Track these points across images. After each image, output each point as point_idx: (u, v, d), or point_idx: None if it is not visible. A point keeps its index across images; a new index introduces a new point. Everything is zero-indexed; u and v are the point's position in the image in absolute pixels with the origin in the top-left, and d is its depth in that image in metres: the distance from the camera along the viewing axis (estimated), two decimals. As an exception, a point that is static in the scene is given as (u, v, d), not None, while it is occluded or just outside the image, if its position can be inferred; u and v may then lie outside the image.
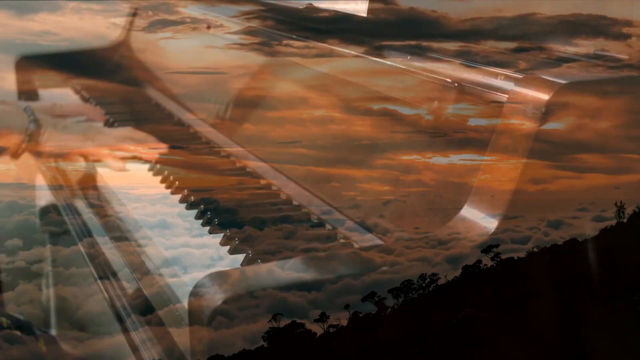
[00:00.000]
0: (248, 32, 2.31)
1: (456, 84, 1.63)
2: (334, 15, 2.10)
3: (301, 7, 2.19)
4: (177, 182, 1.99)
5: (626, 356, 1.32)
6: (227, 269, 1.54)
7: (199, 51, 2.48)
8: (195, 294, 1.36)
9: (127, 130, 1.88)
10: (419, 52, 1.80)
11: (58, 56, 2.80)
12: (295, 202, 1.86)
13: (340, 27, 2.07)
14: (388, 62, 1.85)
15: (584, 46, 1.67)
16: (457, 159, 1.61)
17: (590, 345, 1.35)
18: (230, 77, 2.36)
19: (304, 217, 1.79)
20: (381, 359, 1.37)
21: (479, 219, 1.44)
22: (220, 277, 1.39)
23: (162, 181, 2.04)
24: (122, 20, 2.88)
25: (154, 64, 2.77)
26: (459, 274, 1.40)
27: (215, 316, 1.32)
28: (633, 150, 1.53)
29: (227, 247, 1.64)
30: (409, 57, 1.79)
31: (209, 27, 2.44)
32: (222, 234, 1.69)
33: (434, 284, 1.40)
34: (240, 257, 1.60)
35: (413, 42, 1.85)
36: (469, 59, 1.70)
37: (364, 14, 1.95)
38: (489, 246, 1.41)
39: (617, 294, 1.38)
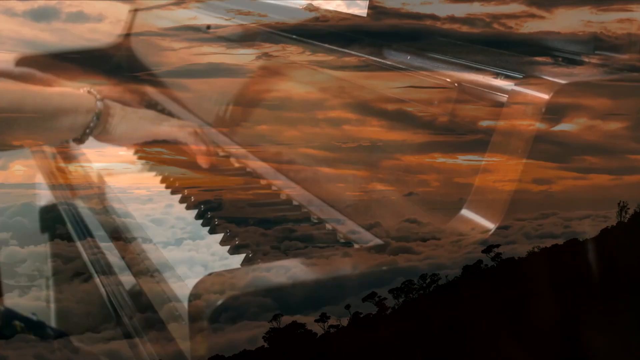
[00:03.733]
0: (258, 36, 2.32)
1: (457, 84, 1.64)
2: (337, 17, 2.10)
3: (301, 8, 2.20)
4: (177, 182, 1.99)
5: (626, 356, 1.32)
6: (227, 268, 1.54)
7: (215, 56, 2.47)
8: (195, 294, 1.37)
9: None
10: (421, 54, 1.80)
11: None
12: (295, 202, 1.86)
13: (344, 29, 2.08)
14: (389, 64, 1.85)
15: (587, 47, 1.67)
16: (461, 159, 1.61)
17: (590, 345, 1.34)
18: (239, 81, 2.36)
19: (304, 217, 1.79)
20: (381, 359, 1.37)
21: (480, 219, 1.44)
22: (220, 277, 1.39)
23: (163, 180, 2.05)
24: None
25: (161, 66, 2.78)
26: (460, 274, 1.40)
27: (215, 316, 1.33)
28: (636, 150, 1.53)
29: (227, 247, 1.64)
30: (409, 58, 1.80)
31: (208, 27, 2.44)
32: (222, 234, 1.70)
33: (435, 284, 1.40)
34: (240, 257, 1.61)
35: (414, 44, 1.85)
36: (469, 60, 1.70)
37: (365, 16, 1.95)
38: (490, 246, 1.41)
39: (617, 294, 1.37)
